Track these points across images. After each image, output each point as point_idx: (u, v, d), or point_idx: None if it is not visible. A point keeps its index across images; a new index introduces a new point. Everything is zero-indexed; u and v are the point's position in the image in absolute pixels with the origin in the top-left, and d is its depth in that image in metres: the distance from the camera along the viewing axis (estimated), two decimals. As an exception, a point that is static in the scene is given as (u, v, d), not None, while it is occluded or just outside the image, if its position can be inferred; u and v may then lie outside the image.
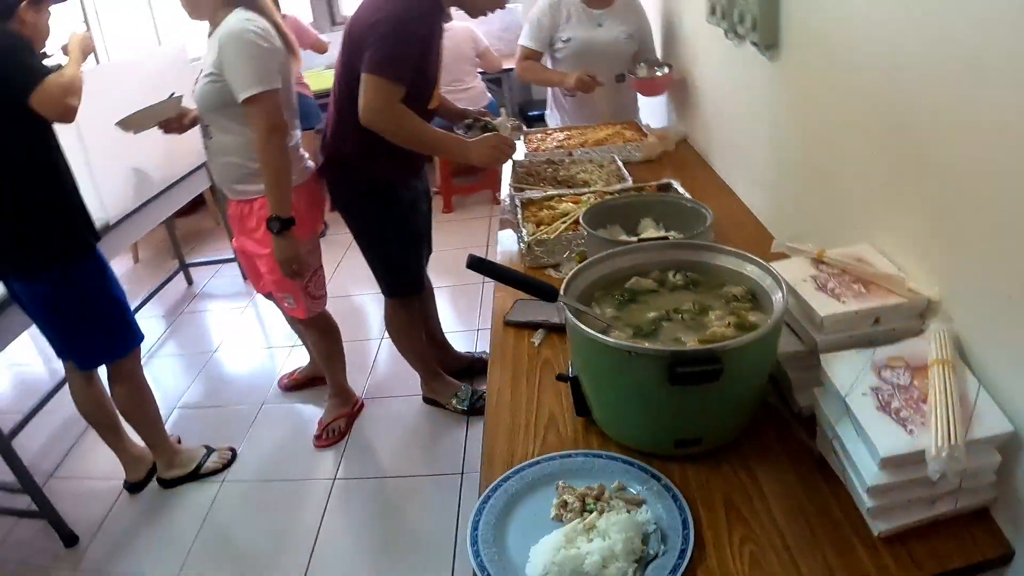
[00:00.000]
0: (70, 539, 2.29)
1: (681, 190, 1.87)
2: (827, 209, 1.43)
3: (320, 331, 2.54)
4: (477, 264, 1.15)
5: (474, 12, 2.11)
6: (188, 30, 5.71)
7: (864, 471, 0.88)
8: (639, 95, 2.91)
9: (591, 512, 0.95)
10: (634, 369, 0.98)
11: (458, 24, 4.20)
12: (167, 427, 2.60)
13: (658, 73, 2.70)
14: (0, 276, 2.06)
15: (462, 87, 4.45)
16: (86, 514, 2.40)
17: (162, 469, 2.47)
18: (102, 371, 2.27)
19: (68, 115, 1.88)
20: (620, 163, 2.24)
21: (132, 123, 2.22)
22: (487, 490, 1.03)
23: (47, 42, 2.03)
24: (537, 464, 1.07)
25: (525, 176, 2.27)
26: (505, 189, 2.29)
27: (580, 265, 1.23)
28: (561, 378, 1.21)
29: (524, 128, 2.60)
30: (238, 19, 1.96)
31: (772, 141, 1.73)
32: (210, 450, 2.57)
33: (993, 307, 0.91)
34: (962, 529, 0.92)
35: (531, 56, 2.82)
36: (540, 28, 2.78)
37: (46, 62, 1.93)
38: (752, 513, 0.97)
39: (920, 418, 0.87)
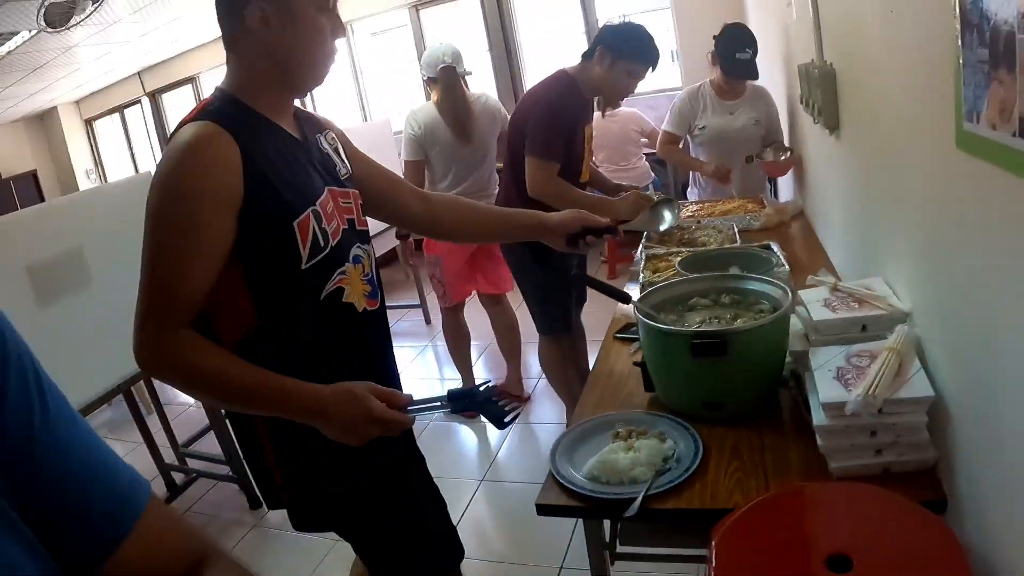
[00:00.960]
0: (255, 501, 2.97)
1: (775, 247, 2.27)
2: (867, 253, 1.79)
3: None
4: (580, 279, 1.64)
5: (609, 102, 2.66)
6: (392, 106, 6.77)
7: (815, 417, 1.26)
8: (769, 176, 3.31)
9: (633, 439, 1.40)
10: (671, 346, 1.43)
11: (625, 109, 4.81)
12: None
13: (782, 157, 3.09)
14: None
15: (627, 166, 5.00)
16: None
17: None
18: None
19: None
20: (736, 230, 2.65)
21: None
22: (571, 427, 1.50)
23: None
24: (607, 416, 1.53)
25: (659, 240, 2.74)
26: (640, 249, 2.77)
27: (654, 286, 1.69)
28: (636, 364, 1.66)
29: (679, 206, 3.04)
30: None
31: (840, 203, 2.10)
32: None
33: (939, 319, 1.27)
34: (910, 480, 1.23)
35: (672, 140, 3.32)
36: (681, 116, 3.28)
37: None
38: (749, 455, 1.36)
39: (860, 382, 1.24)
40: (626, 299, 1.62)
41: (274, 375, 1.20)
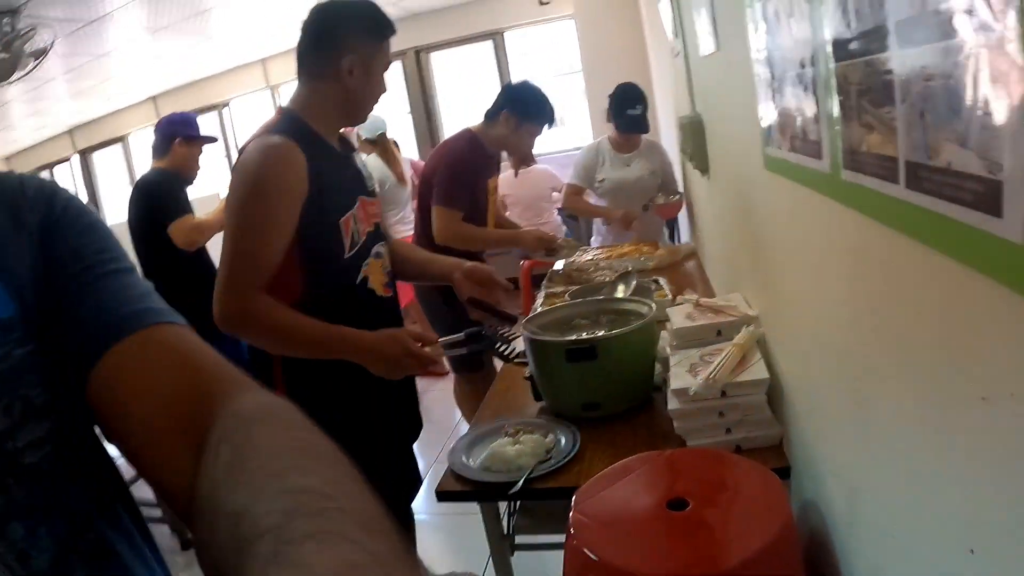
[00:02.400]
0: (186, 544, 2.99)
1: (662, 281, 2.51)
2: (731, 274, 2.04)
3: None
4: (472, 302, 1.83)
5: (514, 155, 2.90)
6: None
7: (670, 404, 1.46)
8: (663, 219, 3.60)
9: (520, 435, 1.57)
10: (551, 355, 1.62)
11: (539, 167, 5.14)
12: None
13: (672, 199, 3.38)
14: None
15: (540, 221, 5.26)
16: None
17: None
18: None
19: (191, 248, 2.70)
20: (631, 270, 2.89)
21: None
22: (469, 431, 1.67)
23: (198, 174, 2.91)
24: (500, 421, 1.69)
25: (560, 279, 2.95)
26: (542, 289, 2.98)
27: (540, 310, 1.89)
28: (526, 378, 1.84)
29: (582, 248, 3.31)
30: None
31: (715, 235, 2.37)
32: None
33: (776, 326, 1.50)
34: (759, 454, 1.43)
35: (576, 192, 3.59)
36: (584, 169, 3.55)
37: (191, 189, 2.79)
38: (623, 447, 1.53)
39: (706, 373, 1.45)
40: (513, 320, 1.81)
41: (332, 326, 1.52)
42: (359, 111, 1.70)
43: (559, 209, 5.48)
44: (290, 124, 1.58)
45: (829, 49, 0.80)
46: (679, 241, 4.04)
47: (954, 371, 0.59)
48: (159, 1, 4.39)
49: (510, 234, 2.89)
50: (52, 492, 0.55)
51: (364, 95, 1.66)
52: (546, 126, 2.85)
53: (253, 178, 1.49)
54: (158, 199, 2.72)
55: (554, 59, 6.46)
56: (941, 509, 0.66)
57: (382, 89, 1.70)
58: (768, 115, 1.21)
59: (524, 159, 2.96)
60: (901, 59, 0.61)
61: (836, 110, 0.80)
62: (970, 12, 0.47)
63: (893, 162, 0.64)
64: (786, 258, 1.29)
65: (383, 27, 1.66)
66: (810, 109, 0.92)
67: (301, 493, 0.40)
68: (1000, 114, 0.46)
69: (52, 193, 0.62)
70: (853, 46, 0.72)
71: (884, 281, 0.75)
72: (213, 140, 2.98)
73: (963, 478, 0.60)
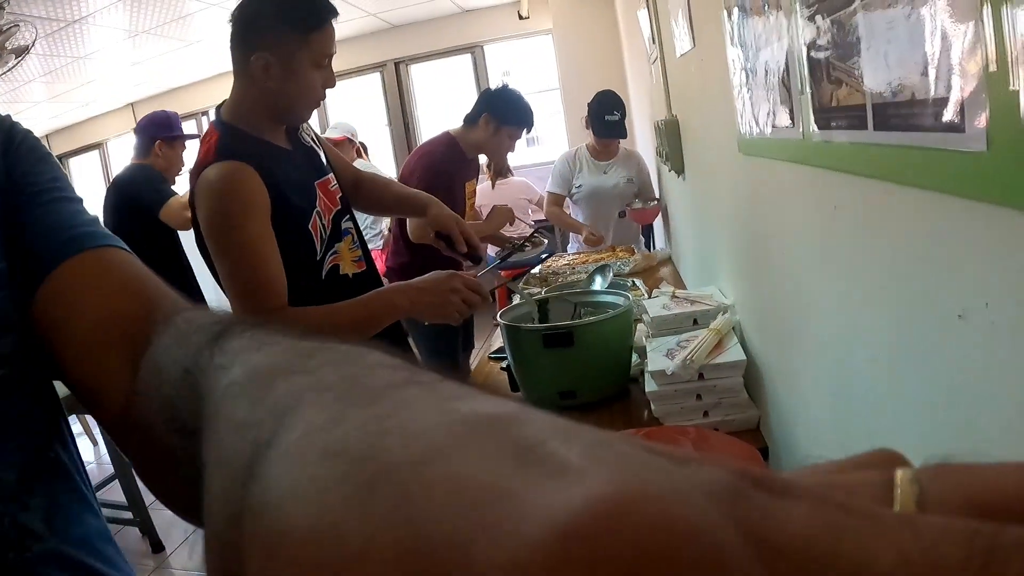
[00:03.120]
0: (157, 546, 2.95)
1: (639, 282, 2.53)
2: (705, 270, 2.07)
3: None
4: (443, 237, 1.85)
5: (493, 159, 2.92)
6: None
7: (647, 387, 1.48)
8: (639, 224, 3.64)
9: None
10: (528, 342, 1.63)
11: (516, 178, 5.19)
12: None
13: (649, 205, 3.42)
14: None
15: (516, 232, 5.29)
16: (175, 529, 3.10)
17: None
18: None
19: (187, 225, 2.71)
20: (611, 273, 2.92)
21: None
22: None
23: (181, 171, 2.91)
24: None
25: (536, 281, 2.97)
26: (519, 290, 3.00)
27: (517, 302, 1.90)
28: (502, 369, 1.85)
29: (546, 242, 3.33)
30: None
31: (690, 235, 2.40)
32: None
33: (752, 310, 1.52)
34: (738, 436, 1.45)
35: (556, 201, 3.62)
36: (561, 176, 3.59)
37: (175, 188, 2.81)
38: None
39: (683, 355, 1.47)
40: (479, 260, 1.94)
41: (365, 296, 1.50)
42: (289, 113, 1.54)
43: (536, 221, 5.52)
44: (230, 141, 1.47)
45: (799, 21, 0.83)
46: (655, 248, 4.08)
47: (931, 297, 0.61)
48: (141, 4, 4.37)
49: (480, 224, 2.89)
50: (17, 407, 0.56)
51: (290, 95, 1.49)
52: (525, 130, 2.88)
53: (219, 211, 1.42)
54: (140, 191, 2.72)
55: (532, 75, 6.52)
56: (924, 442, 0.67)
57: (315, 86, 1.51)
58: (742, 98, 1.24)
59: (501, 165, 2.98)
60: (865, 8, 0.63)
61: (806, 72, 0.82)
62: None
63: (861, 109, 0.67)
64: (763, 237, 1.32)
65: (312, 14, 1.48)
66: (782, 81, 0.95)
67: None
68: (954, 39, 0.48)
69: (11, 125, 0.64)
70: (819, 8, 0.75)
71: (859, 232, 0.77)
72: (194, 137, 2.97)
73: (944, 403, 0.62)
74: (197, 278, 2.92)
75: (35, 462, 0.57)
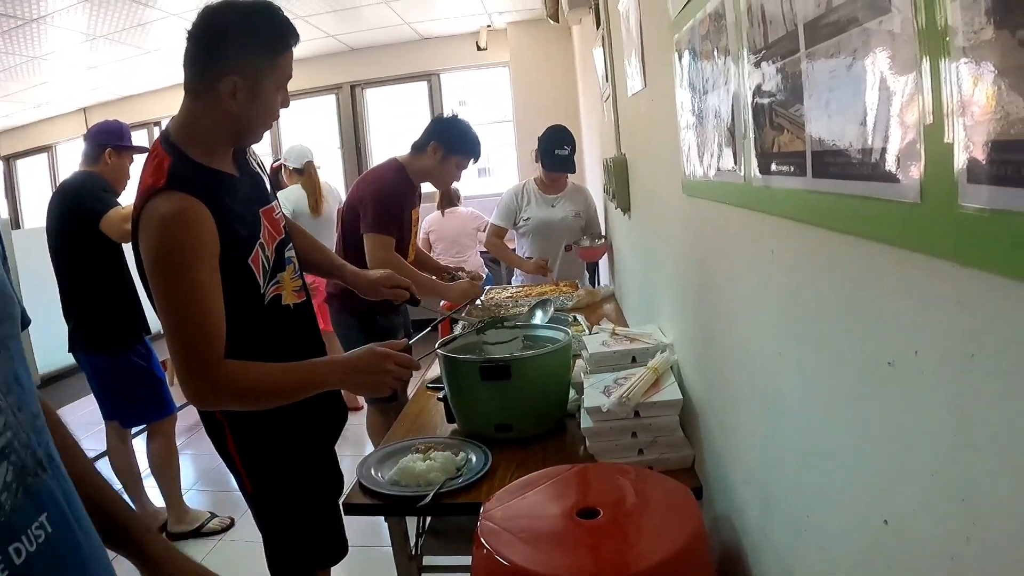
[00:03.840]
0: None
1: (580, 318, 2.54)
2: (648, 309, 2.08)
3: None
4: (413, 301, 1.82)
5: (439, 187, 2.91)
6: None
7: (582, 423, 1.46)
8: (585, 262, 3.66)
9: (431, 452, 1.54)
10: (466, 373, 1.61)
11: (463, 208, 5.21)
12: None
13: (597, 243, 3.45)
14: (71, 350, 2.76)
15: (462, 259, 5.27)
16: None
17: (171, 524, 2.98)
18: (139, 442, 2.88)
19: (125, 238, 2.63)
20: (552, 308, 2.92)
21: None
22: (378, 448, 1.62)
23: (127, 184, 2.83)
24: (411, 440, 1.66)
25: (479, 313, 2.95)
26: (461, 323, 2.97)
27: (457, 333, 1.88)
28: (439, 399, 1.82)
29: (483, 277, 3.33)
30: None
31: (635, 274, 2.42)
32: (213, 515, 3.08)
33: (691, 350, 1.53)
34: (672, 476, 1.45)
35: (498, 233, 3.61)
36: (507, 209, 3.59)
37: (121, 200, 2.73)
38: (535, 464, 1.53)
39: (619, 393, 1.47)
40: (417, 303, 1.93)
41: (303, 365, 1.47)
42: (247, 135, 1.50)
43: (483, 251, 5.52)
44: (183, 169, 1.40)
45: (746, 67, 0.84)
46: (599, 284, 4.11)
47: (862, 344, 0.61)
48: (101, 8, 4.26)
49: (438, 285, 2.86)
50: None
51: (251, 118, 1.45)
52: (472, 160, 2.88)
53: (168, 250, 1.35)
54: (83, 199, 2.63)
55: (486, 106, 6.57)
56: (854, 485, 0.67)
57: (275, 108, 1.49)
58: (688, 140, 1.26)
59: (447, 193, 2.98)
60: (809, 58, 0.64)
61: (750, 117, 0.83)
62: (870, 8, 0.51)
63: (801, 156, 0.67)
64: (704, 277, 1.33)
65: (281, 38, 1.45)
66: (727, 125, 0.96)
67: None
68: (894, 91, 0.49)
69: None
70: (766, 55, 0.76)
71: (795, 277, 0.78)
72: (144, 150, 2.89)
73: (874, 449, 0.62)
74: (139, 289, 2.82)
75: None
